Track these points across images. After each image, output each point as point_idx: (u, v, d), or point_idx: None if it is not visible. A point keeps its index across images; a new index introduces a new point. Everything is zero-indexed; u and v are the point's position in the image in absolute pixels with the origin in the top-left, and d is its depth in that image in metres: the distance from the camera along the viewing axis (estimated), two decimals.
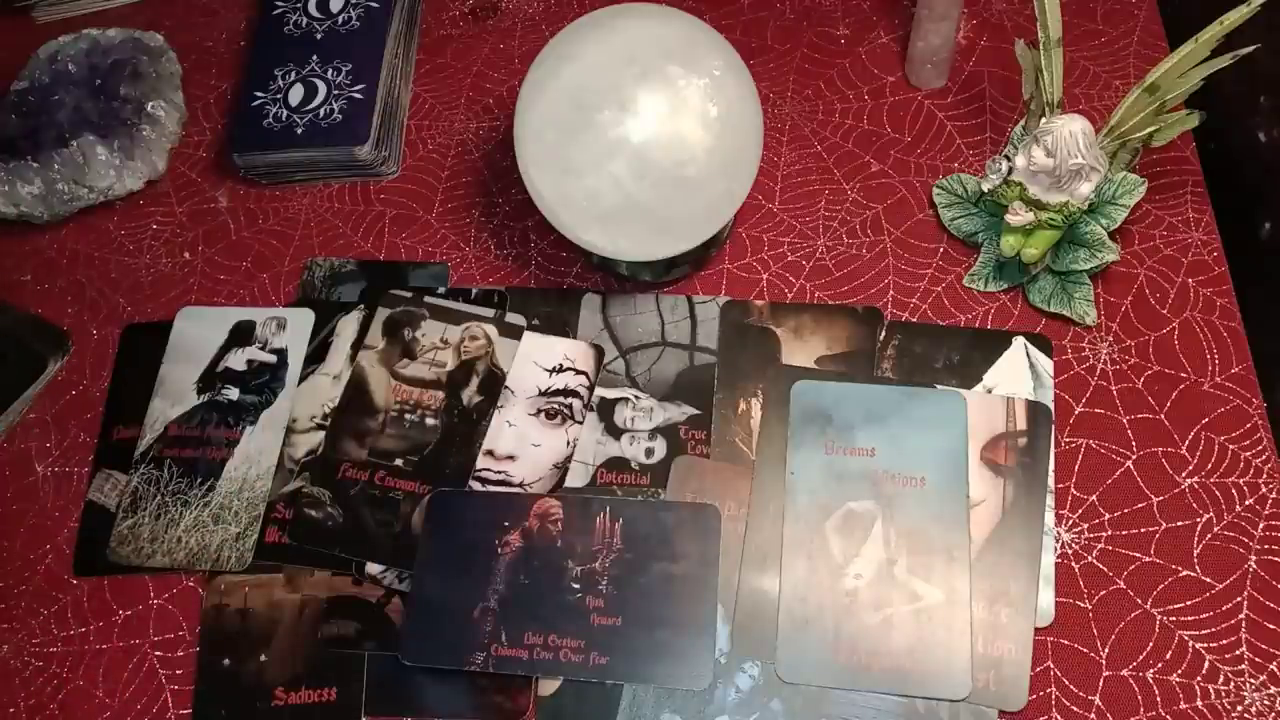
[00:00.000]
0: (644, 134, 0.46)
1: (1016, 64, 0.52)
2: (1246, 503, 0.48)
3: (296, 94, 0.63)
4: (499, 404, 0.54)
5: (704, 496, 0.50)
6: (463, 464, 0.52)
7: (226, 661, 0.49)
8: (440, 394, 0.54)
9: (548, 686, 0.47)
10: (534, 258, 0.59)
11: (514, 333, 0.56)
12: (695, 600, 0.48)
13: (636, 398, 0.53)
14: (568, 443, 0.52)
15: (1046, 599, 0.47)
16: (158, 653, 0.51)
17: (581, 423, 0.53)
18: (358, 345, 0.56)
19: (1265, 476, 0.49)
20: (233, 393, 0.56)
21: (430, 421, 0.54)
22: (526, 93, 0.49)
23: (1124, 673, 0.46)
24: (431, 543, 0.50)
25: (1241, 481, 0.49)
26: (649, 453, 0.52)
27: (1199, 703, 0.45)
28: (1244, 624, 0.46)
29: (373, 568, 0.50)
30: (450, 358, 0.55)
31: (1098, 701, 0.45)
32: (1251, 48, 0.47)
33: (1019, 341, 0.53)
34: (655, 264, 0.55)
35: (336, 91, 0.62)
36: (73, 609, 0.52)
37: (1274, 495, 0.48)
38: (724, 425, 0.52)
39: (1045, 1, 0.48)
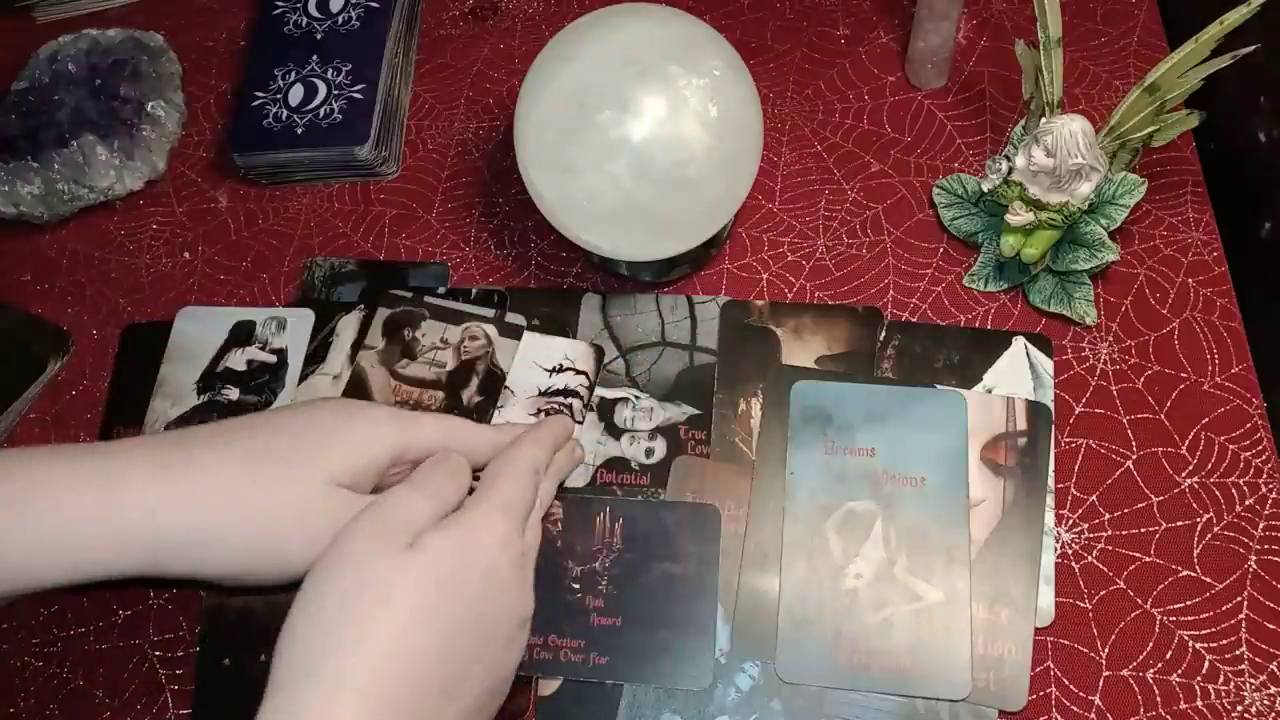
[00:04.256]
0: (644, 134, 0.46)
1: (1016, 64, 0.52)
2: (1246, 503, 0.48)
3: (296, 94, 0.63)
4: (499, 404, 0.54)
5: (704, 496, 0.50)
6: None
7: (226, 661, 0.49)
8: (440, 394, 0.54)
9: (548, 686, 0.47)
10: (534, 258, 0.59)
11: (514, 333, 0.56)
12: (695, 600, 0.48)
13: (636, 398, 0.53)
14: None
15: (1046, 599, 0.47)
16: (158, 653, 0.51)
17: (581, 423, 0.53)
18: (358, 345, 0.56)
19: (1265, 476, 0.49)
20: (233, 393, 0.56)
21: None
22: (526, 93, 0.49)
23: (1124, 673, 0.46)
24: None
25: (1241, 481, 0.49)
26: (649, 453, 0.52)
27: (1199, 703, 0.45)
28: (1244, 624, 0.46)
29: None
30: (450, 358, 0.55)
31: (1098, 701, 0.45)
32: (1251, 48, 0.47)
33: (1019, 341, 0.53)
34: (655, 264, 0.55)
35: (336, 91, 0.62)
36: (73, 609, 0.52)
37: (1274, 495, 0.48)
38: (724, 425, 0.52)
39: (1045, 1, 0.48)
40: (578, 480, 0.51)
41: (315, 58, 0.64)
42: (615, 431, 0.53)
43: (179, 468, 0.40)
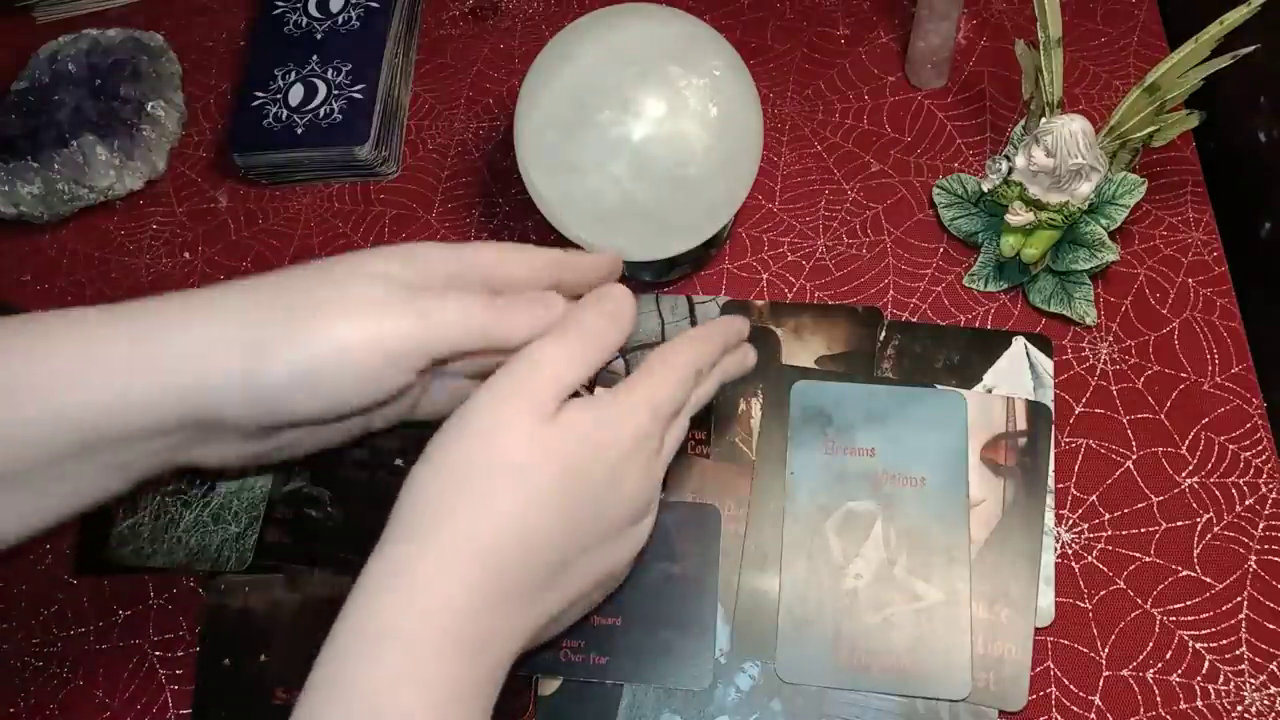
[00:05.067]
0: (644, 134, 0.46)
1: (1016, 64, 0.52)
2: (1246, 503, 0.48)
3: (296, 94, 0.63)
4: None
5: (704, 496, 0.50)
6: None
7: (226, 661, 0.49)
8: None
9: (548, 686, 0.47)
10: None
11: None
12: (695, 600, 0.48)
13: None
14: None
15: (1046, 599, 0.47)
16: (158, 653, 0.51)
17: None
18: None
19: (1265, 476, 0.49)
20: None
21: None
22: (526, 93, 0.49)
23: (1124, 673, 0.46)
24: None
25: (1241, 481, 0.49)
26: None
27: (1199, 703, 0.45)
28: (1244, 624, 0.46)
29: None
30: None
31: (1098, 701, 0.45)
32: (1251, 48, 0.47)
33: (1019, 341, 0.53)
34: (655, 264, 0.55)
35: (336, 91, 0.62)
36: (73, 609, 0.52)
37: (1274, 495, 0.48)
38: (724, 425, 0.52)
39: (1045, 1, 0.48)
40: None
41: (315, 58, 0.64)
42: None
43: (201, 311, 0.37)
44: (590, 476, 0.37)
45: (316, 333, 0.36)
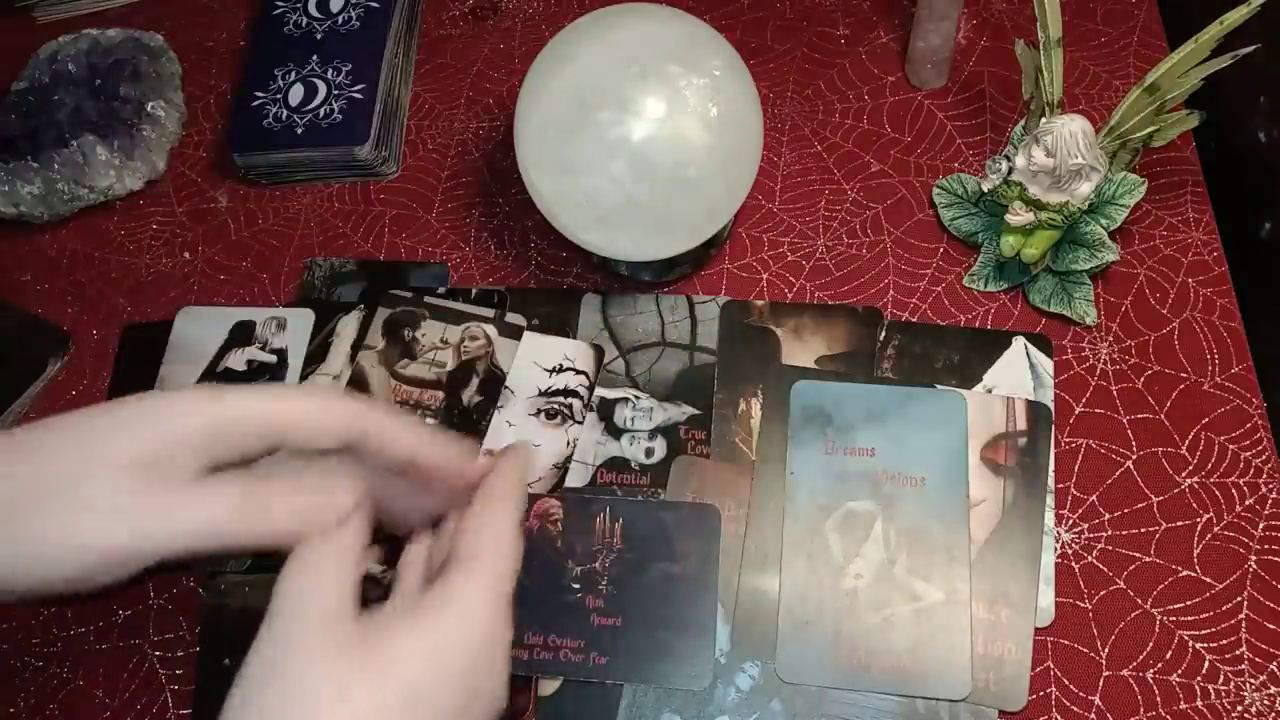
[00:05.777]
0: (644, 134, 0.46)
1: (1016, 64, 0.52)
2: (1246, 503, 0.48)
3: (296, 94, 0.63)
4: (499, 404, 0.54)
5: (704, 496, 0.50)
6: None
7: (226, 661, 0.49)
8: (440, 394, 0.54)
9: (548, 686, 0.47)
10: (534, 258, 0.59)
11: (514, 333, 0.56)
12: (695, 600, 0.48)
13: (636, 398, 0.53)
14: (568, 443, 0.52)
15: (1046, 599, 0.47)
16: (158, 653, 0.51)
17: (581, 423, 0.53)
18: (358, 345, 0.56)
19: (1265, 476, 0.49)
20: None
21: (430, 421, 0.54)
22: (526, 93, 0.49)
23: (1124, 673, 0.46)
24: None
25: (1241, 481, 0.49)
26: (649, 453, 0.52)
27: (1199, 703, 0.45)
28: (1244, 624, 0.46)
29: (373, 567, 0.50)
30: (450, 358, 0.55)
31: (1098, 701, 0.45)
32: (1251, 48, 0.47)
33: (1019, 341, 0.53)
34: (655, 264, 0.55)
35: (336, 91, 0.62)
36: (73, 609, 0.52)
37: (1274, 495, 0.48)
38: (724, 425, 0.52)
39: (1045, 1, 0.48)
40: (578, 480, 0.51)
41: (315, 58, 0.64)
42: (615, 431, 0.53)
43: None
44: (440, 700, 0.33)
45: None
